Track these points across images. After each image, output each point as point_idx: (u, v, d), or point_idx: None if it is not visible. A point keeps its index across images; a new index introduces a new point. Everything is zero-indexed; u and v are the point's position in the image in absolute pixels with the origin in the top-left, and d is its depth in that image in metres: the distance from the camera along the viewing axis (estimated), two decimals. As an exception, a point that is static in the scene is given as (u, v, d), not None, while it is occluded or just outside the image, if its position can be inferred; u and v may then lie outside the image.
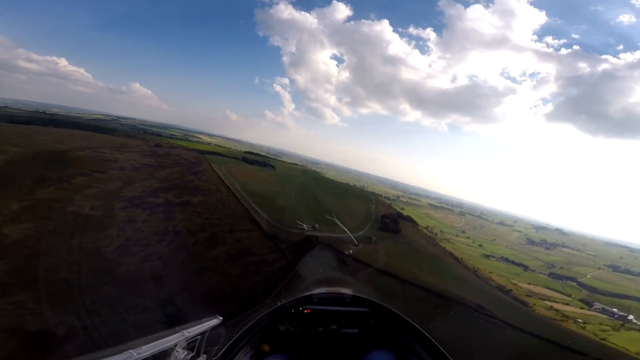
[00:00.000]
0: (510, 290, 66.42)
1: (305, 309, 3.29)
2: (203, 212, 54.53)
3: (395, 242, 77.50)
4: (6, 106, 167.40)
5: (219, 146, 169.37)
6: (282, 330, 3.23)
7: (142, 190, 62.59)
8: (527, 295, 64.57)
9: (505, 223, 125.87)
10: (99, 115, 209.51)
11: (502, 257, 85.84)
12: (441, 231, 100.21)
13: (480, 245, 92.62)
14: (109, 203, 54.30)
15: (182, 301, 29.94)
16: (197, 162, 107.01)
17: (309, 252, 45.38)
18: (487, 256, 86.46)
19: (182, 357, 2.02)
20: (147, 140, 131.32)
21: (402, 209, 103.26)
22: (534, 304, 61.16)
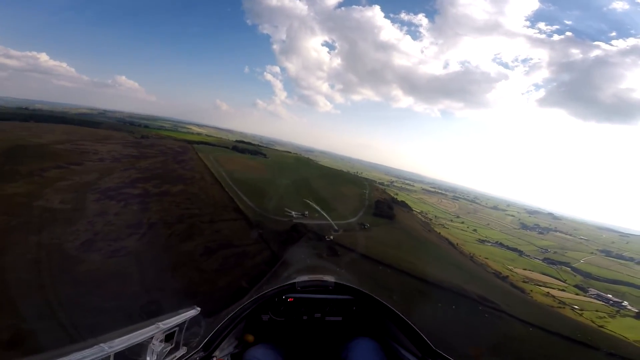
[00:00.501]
0: (507, 276, 65.21)
1: (289, 298, 3.20)
2: (183, 201, 50.38)
3: (390, 228, 74.04)
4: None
5: (209, 136, 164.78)
6: (265, 320, 3.15)
7: (119, 181, 58.40)
8: (524, 282, 63.74)
9: (499, 207, 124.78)
10: (85, 110, 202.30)
11: (497, 242, 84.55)
12: (435, 216, 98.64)
13: (475, 230, 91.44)
14: (80, 196, 50.08)
15: (146, 301, 26.13)
16: (183, 151, 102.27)
17: (297, 241, 41.50)
18: (482, 241, 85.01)
19: (159, 350, 1.89)
20: (134, 132, 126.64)
21: (396, 194, 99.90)
22: (531, 291, 60.18)
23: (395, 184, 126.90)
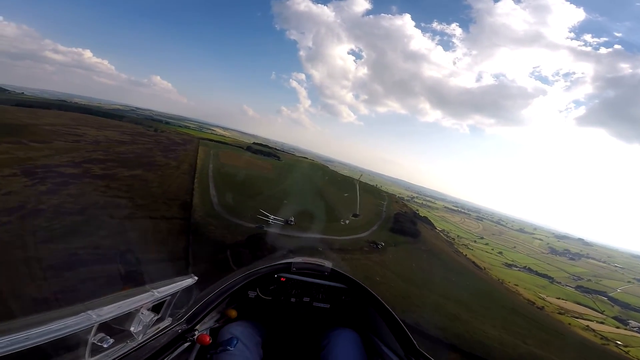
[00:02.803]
0: (543, 307, 56.74)
1: (281, 277, 2.95)
2: (119, 187, 35.67)
3: (412, 249, 55.78)
4: (22, 93, 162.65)
5: (229, 137, 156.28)
6: (251, 297, 2.90)
7: (66, 160, 45.78)
8: (559, 313, 55.84)
9: (525, 230, 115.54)
10: (119, 106, 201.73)
11: (525, 267, 77.11)
12: (458, 236, 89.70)
13: (500, 252, 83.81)
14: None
15: None
16: (183, 144, 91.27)
17: (247, 263, 24.59)
18: (509, 265, 77.27)
19: (147, 320, 1.68)
20: (153, 127, 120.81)
21: (417, 210, 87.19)
22: (569, 324, 51.84)
23: (415, 200, 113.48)
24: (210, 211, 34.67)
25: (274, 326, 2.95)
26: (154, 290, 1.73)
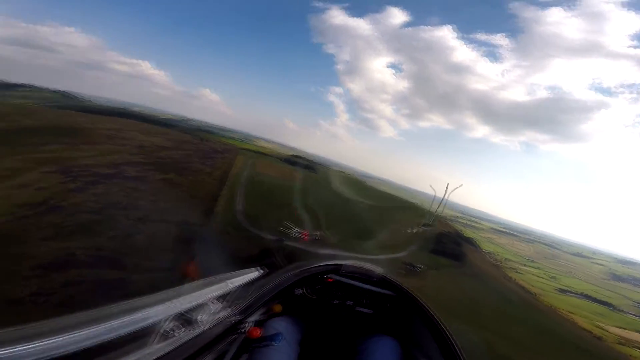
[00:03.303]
0: (601, 337, 50.49)
1: (328, 278, 2.97)
2: (147, 190, 34.80)
3: (456, 274, 49.59)
4: (89, 100, 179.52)
5: (268, 149, 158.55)
6: (297, 294, 2.91)
7: (105, 161, 46.67)
8: (620, 343, 50.05)
9: (583, 254, 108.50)
10: (171, 116, 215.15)
11: (581, 294, 71.88)
12: (506, 259, 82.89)
13: (553, 277, 78.08)
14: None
15: None
16: (223, 152, 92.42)
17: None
18: (563, 291, 71.90)
19: (213, 310, 1.80)
20: (199, 136, 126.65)
21: (461, 230, 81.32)
22: (631, 355, 46.72)
23: (459, 220, 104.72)
24: (232, 220, 32.37)
25: (314, 325, 2.89)
26: (228, 282, 1.89)
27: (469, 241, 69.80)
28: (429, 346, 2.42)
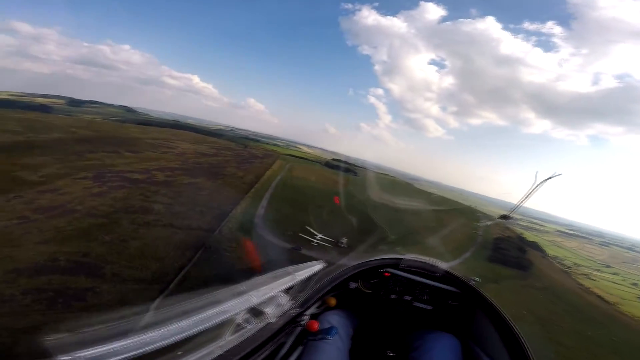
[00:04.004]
0: None
1: (385, 272, 2.86)
2: (168, 194, 33.43)
3: (522, 289, 41.67)
4: (147, 114, 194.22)
5: (310, 154, 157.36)
6: (351, 288, 2.83)
7: (143, 167, 46.95)
8: None
9: None
10: (221, 126, 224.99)
11: None
12: (575, 264, 74.12)
13: (635, 284, 68.78)
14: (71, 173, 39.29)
15: None
16: (263, 157, 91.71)
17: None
18: None
19: (281, 302, 1.82)
20: (244, 144, 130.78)
21: (522, 233, 71.65)
22: None
23: (519, 223, 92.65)
24: (246, 225, 29.22)
25: (367, 319, 2.83)
26: (296, 274, 1.88)
27: (533, 246, 59.94)
28: (494, 346, 2.33)
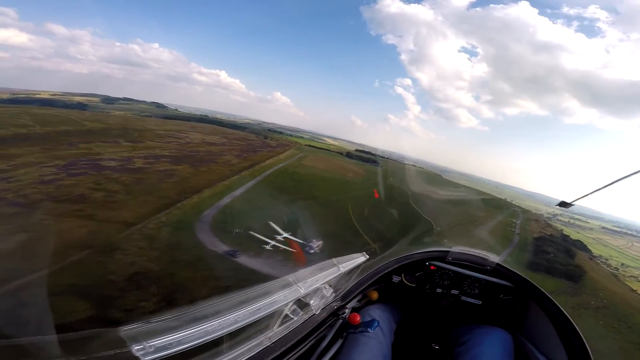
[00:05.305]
0: None
1: (431, 265, 2.78)
2: (127, 181, 29.73)
3: (574, 311, 31.95)
4: (176, 109, 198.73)
5: (334, 145, 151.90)
6: (394, 282, 2.78)
7: (130, 155, 44.14)
8: None
9: None
10: (249, 120, 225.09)
11: None
12: (622, 264, 64.64)
13: None
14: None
15: None
16: (275, 147, 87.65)
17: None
18: None
19: (327, 294, 1.83)
20: (263, 135, 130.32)
21: (562, 230, 64.83)
22: None
23: (559, 218, 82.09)
24: (190, 218, 24.16)
25: (411, 313, 2.82)
26: (340, 266, 1.83)
27: (578, 245, 51.80)
28: (550, 342, 2.26)
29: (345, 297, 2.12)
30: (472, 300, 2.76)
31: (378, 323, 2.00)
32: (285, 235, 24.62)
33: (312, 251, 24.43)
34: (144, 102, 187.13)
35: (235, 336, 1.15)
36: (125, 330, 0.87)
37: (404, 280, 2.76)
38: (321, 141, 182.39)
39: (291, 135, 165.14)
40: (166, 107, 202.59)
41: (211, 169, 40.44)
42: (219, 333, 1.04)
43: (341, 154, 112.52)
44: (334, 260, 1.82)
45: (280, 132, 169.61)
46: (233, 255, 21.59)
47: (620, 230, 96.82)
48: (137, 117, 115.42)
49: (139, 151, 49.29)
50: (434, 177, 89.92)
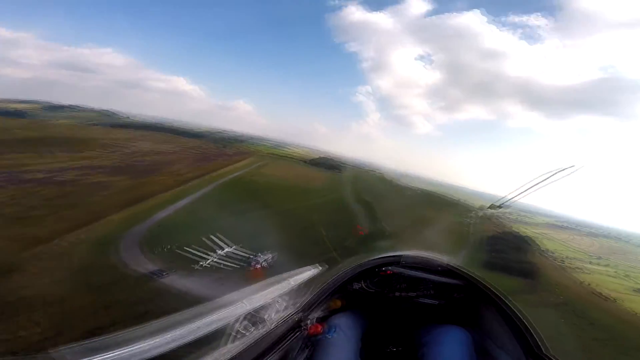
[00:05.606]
0: None
1: (387, 270, 2.88)
2: (50, 195, 26.29)
3: (533, 310, 32.03)
4: (127, 117, 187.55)
5: (297, 153, 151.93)
6: (356, 289, 2.81)
7: (61, 166, 39.72)
8: None
9: None
10: (207, 129, 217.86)
11: None
12: (567, 257, 70.60)
13: (627, 275, 65.92)
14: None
15: None
16: (232, 155, 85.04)
17: None
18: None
19: (280, 308, 1.90)
20: (222, 144, 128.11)
21: (511, 227, 70.71)
22: None
23: (508, 215, 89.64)
24: (117, 234, 21.39)
25: (375, 319, 2.83)
26: (290, 280, 1.94)
27: (527, 241, 55.90)
28: (503, 336, 2.32)
29: (307, 309, 2.07)
30: (429, 301, 2.80)
31: (336, 329, 2.00)
32: (228, 249, 22.58)
33: (258, 266, 22.51)
34: (92, 109, 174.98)
35: (183, 357, 1.09)
36: (53, 352, 0.81)
37: (364, 286, 2.77)
38: (285, 149, 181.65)
39: (253, 144, 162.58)
40: (116, 114, 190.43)
41: (154, 180, 37.41)
42: (155, 352, 0.98)
43: (305, 161, 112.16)
44: (284, 274, 1.87)
45: (242, 141, 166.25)
46: (159, 276, 19.18)
47: (562, 225, 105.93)
48: (82, 125, 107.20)
49: (74, 162, 44.80)
50: (391, 182, 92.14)
